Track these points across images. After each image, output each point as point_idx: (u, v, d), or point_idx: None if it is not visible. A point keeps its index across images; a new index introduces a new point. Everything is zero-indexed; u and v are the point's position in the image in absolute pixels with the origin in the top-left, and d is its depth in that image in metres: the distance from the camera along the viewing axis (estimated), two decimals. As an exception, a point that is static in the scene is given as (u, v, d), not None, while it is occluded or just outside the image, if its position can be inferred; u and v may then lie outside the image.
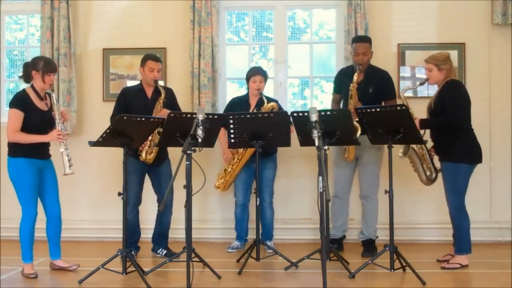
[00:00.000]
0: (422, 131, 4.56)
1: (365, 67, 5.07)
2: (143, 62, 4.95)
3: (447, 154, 4.53)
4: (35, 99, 4.36)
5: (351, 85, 4.92)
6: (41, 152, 4.38)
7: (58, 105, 4.40)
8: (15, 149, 4.33)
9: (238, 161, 5.22)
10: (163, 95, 4.88)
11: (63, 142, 4.28)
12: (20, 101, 4.32)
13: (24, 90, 4.43)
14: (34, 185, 4.34)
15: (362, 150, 5.02)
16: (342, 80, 5.17)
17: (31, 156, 4.31)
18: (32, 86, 4.40)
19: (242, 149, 5.15)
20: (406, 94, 4.93)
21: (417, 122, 4.50)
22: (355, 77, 4.93)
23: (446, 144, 4.53)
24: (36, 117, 4.32)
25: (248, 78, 5.29)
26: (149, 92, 4.99)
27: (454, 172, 4.50)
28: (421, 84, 4.75)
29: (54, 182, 4.49)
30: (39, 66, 4.35)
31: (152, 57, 4.97)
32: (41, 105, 4.39)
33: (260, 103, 5.21)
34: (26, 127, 4.29)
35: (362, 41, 5.10)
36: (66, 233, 4.79)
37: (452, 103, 4.46)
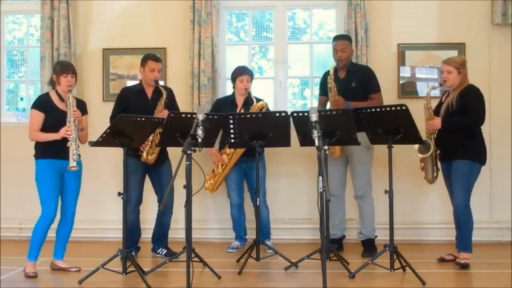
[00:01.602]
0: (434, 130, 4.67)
1: (346, 63, 5.12)
2: (144, 62, 4.96)
3: (463, 153, 4.56)
4: (56, 101, 4.49)
5: (328, 77, 5.00)
6: (64, 152, 4.39)
7: (72, 104, 4.44)
8: (38, 151, 4.47)
9: (228, 161, 5.23)
10: (164, 95, 4.89)
11: (70, 137, 4.31)
12: (40, 102, 4.49)
13: (47, 93, 4.62)
14: (54, 186, 4.40)
15: (351, 150, 5.04)
16: (326, 83, 5.16)
17: (54, 157, 4.39)
18: (56, 90, 4.53)
19: (232, 149, 5.14)
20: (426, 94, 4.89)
21: (439, 121, 4.59)
22: (330, 70, 5.00)
23: (462, 144, 4.56)
24: (54, 117, 4.42)
25: (234, 78, 5.29)
26: (149, 92, 4.99)
27: (469, 170, 4.55)
28: (441, 85, 4.80)
29: (75, 183, 4.54)
30: (56, 70, 4.52)
31: (153, 57, 4.98)
32: (62, 106, 4.48)
33: (247, 102, 5.22)
34: (46, 127, 4.42)
35: (340, 38, 5.18)
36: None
37: (477, 106, 4.56)
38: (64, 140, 4.35)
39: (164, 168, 5.01)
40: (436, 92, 5.32)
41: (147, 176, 5.06)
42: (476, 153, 4.58)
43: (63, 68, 4.51)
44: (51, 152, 4.39)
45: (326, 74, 5.22)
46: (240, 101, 5.30)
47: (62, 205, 4.53)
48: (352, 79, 5.08)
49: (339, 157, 5.11)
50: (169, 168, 5.03)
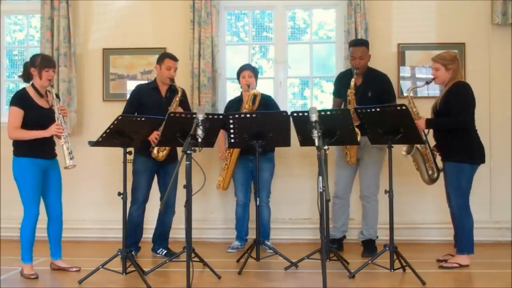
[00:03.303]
0: (426, 131, 4.59)
1: (363, 70, 5.05)
2: (161, 60, 4.96)
3: (450, 154, 4.52)
4: (35, 97, 4.34)
5: (349, 91, 4.91)
6: (46, 151, 4.37)
7: (57, 100, 4.38)
8: (19, 149, 4.33)
9: (230, 156, 5.23)
10: (180, 93, 4.91)
11: (63, 135, 4.26)
12: (19, 98, 4.32)
13: (24, 88, 4.41)
14: (37, 185, 4.33)
15: (363, 150, 5.02)
16: (341, 84, 5.15)
17: (35, 156, 4.30)
18: (33, 85, 4.39)
19: None
20: (406, 94, 4.91)
21: (423, 122, 4.52)
22: (352, 82, 4.91)
23: (449, 144, 4.52)
24: (35, 114, 4.30)
25: (238, 75, 5.34)
26: (163, 90, 5.00)
27: (456, 173, 4.49)
28: (428, 83, 4.74)
29: (57, 182, 4.48)
30: (37, 63, 4.34)
31: (170, 55, 5.00)
32: (41, 102, 4.37)
33: (254, 99, 5.22)
34: (26, 124, 4.28)
35: (358, 45, 5.07)
36: (67, 233, 4.78)
37: (460, 105, 4.44)
38: (48, 138, 4.29)
39: (172, 168, 4.97)
40: (436, 92, 5.33)
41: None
42: (464, 154, 4.47)
43: (46, 62, 4.36)
44: (33, 150, 4.27)
45: (341, 77, 5.20)
46: (246, 98, 5.31)
47: (47, 205, 4.46)
48: (368, 88, 5.01)
49: (354, 164, 5.10)
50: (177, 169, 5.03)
